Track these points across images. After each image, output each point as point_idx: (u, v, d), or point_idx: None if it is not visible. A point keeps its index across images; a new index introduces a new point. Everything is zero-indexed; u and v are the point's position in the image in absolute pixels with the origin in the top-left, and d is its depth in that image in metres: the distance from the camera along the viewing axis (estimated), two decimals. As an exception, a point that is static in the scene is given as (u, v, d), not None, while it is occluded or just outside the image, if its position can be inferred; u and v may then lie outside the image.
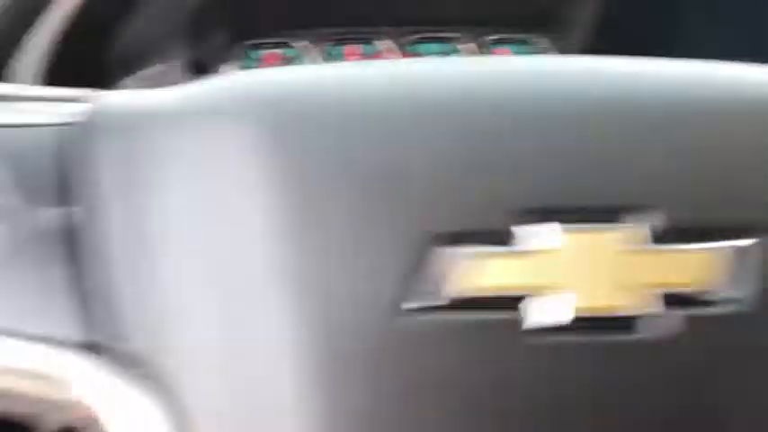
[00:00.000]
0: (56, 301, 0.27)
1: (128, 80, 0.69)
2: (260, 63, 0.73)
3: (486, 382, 0.26)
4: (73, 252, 0.27)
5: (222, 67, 0.72)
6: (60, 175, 0.28)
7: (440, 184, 0.27)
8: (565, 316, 0.26)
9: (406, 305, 0.26)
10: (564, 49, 0.76)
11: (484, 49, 0.76)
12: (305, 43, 0.74)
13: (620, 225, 0.27)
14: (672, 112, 0.29)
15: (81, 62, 0.64)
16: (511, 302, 0.26)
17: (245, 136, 0.28)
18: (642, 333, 0.26)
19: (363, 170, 0.27)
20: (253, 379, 0.26)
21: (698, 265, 0.27)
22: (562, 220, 0.26)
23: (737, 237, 0.27)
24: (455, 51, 0.76)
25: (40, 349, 0.26)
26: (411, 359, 0.26)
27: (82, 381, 0.26)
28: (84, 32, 0.61)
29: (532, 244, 0.26)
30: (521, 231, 0.26)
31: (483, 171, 0.27)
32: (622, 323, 0.26)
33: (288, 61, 0.74)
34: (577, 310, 0.26)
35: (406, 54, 0.75)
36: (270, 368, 0.26)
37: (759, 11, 0.63)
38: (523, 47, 0.76)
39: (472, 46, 0.75)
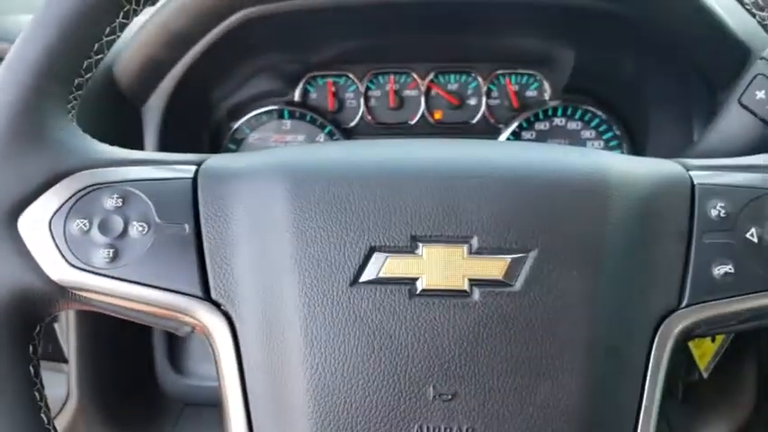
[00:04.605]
0: (184, 271, 0.46)
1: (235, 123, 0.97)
2: (325, 87, 0.98)
3: (393, 321, 0.44)
4: (193, 248, 0.47)
5: (295, 92, 0.98)
6: (184, 206, 0.47)
7: (373, 219, 0.46)
8: (422, 288, 0.45)
9: (362, 280, 0.45)
10: (555, 83, 0.97)
11: (494, 80, 0.99)
12: (358, 74, 0.97)
13: (455, 245, 0.45)
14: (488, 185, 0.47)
15: (193, 108, 0.90)
16: (409, 280, 0.45)
17: (273, 189, 0.47)
18: (466, 299, 0.44)
19: (340, 212, 0.46)
20: (276, 320, 0.45)
21: (496, 266, 0.45)
22: (428, 242, 0.45)
23: (516, 253, 0.45)
24: (471, 82, 0.99)
25: (176, 297, 0.47)
26: (360, 311, 0.44)
27: (198, 311, 0.47)
28: (192, 88, 0.84)
29: (415, 253, 0.45)
30: (412, 246, 0.45)
31: (394, 215, 0.46)
32: (458, 293, 0.45)
33: (344, 87, 0.98)
34: (436, 285, 0.45)
35: (432, 84, 0.98)
36: (281, 311, 0.45)
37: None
38: (524, 79, 0.99)
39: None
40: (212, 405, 0.48)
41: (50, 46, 0.47)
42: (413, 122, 0.99)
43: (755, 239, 0.47)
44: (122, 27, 0.50)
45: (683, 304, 0.47)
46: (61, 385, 0.82)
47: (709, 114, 0.79)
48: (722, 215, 0.47)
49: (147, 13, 0.79)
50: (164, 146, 0.85)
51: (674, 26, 0.78)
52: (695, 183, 0.49)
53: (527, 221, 0.46)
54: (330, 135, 0.99)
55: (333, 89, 0.98)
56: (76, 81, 0.49)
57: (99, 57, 0.50)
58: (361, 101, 0.98)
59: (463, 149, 0.52)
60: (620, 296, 0.46)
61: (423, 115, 0.99)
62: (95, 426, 0.83)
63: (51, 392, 0.81)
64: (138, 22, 0.78)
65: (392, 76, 0.98)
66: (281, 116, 0.99)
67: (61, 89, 0.48)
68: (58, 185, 0.47)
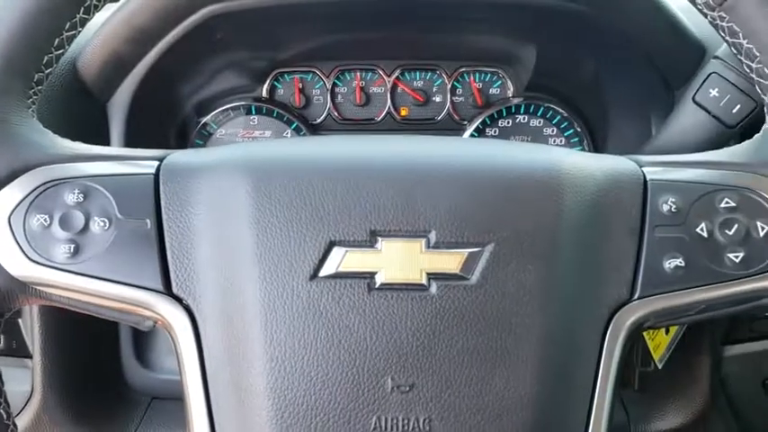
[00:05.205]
0: (145, 266, 0.47)
1: (203, 119, 0.97)
2: (292, 83, 0.99)
3: (353, 315, 0.45)
4: (155, 243, 0.47)
5: (262, 88, 0.98)
6: (145, 202, 0.48)
7: (333, 214, 0.46)
8: (381, 282, 0.46)
9: (321, 274, 0.46)
10: (517, 81, 0.99)
11: (458, 78, 1.00)
12: (325, 71, 0.98)
13: (413, 239, 0.46)
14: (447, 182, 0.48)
15: (159, 104, 0.89)
16: (368, 274, 0.46)
17: (234, 185, 0.48)
18: (424, 293, 0.46)
19: (300, 207, 0.47)
20: (236, 315, 0.46)
21: (453, 260, 0.47)
22: (387, 236, 0.46)
23: (473, 247, 0.47)
24: (436, 80, 1.00)
25: (138, 291, 0.47)
26: (319, 305, 0.45)
27: (160, 306, 0.47)
28: (157, 83, 0.84)
29: (375, 247, 0.46)
30: (371, 241, 0.46)
31: (354, 210, 0.47)
32: (416, 287, 0.46)
33: (311, 84, 0.99)
34: (394, 279, 0.46)
35: (397, 81, 0.99)
36: (242, 305, 0.46)
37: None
38: (488, 77, 1.00)
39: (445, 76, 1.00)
40: (179, 398, 0.48)
41: (9, 40, 0.47)
42: (379, 119, 1.00)
43: (705, 234, 0.49)
44: (83, 22, 0.50)
45: (635, 297, 0.48)
46: (26, 381, 0.82)
47: (666, 112, 0.81)
48: (673, 210, 0.49)
49: (111, 8, 0.79)
50: (129, 141, 0.85)
51: (633, 26, 0.80)
52: (648, 178, 0.51)
53: (484, 216, 0.47)
54: (297, 131, 1.00)
55: (300, 85, 0.99)
56: (36, 76, 0.49)
57: (59, 52, 0.50)
58: (328, 97, 0.99)
59: (422, 146, 0.54)
60: (574, 289, 0.47)
61: (389, 112, 1.00)
62: (60, 421, 0.82)
63: (16, 388, 0.81)
64: (102, 17, 0.78)
65: (358, 73, 0.99)
66: (248, 112, 0.99)
67: (21, 84, 0.48)
68: (17, 181, 0.48)
